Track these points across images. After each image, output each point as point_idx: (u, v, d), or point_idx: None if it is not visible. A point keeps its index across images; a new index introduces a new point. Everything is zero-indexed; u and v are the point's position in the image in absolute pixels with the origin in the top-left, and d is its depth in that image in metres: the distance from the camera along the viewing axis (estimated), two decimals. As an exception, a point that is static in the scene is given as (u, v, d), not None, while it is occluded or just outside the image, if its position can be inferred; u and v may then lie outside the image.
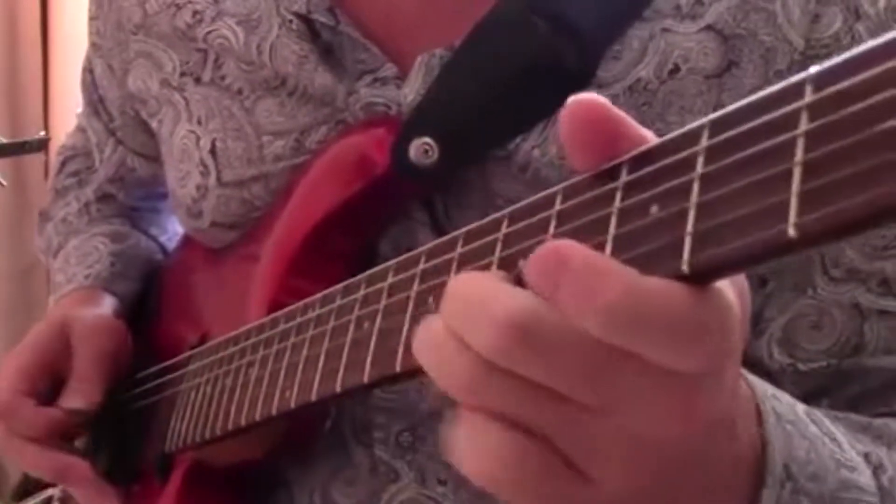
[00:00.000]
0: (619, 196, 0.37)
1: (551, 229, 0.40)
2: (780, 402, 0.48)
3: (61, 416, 0.76)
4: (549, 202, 0.41)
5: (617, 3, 0.64)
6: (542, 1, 0.62)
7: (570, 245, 0.36)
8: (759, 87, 0.61)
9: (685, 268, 0.34)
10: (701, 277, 0.34)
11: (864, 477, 0.53)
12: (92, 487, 0.77)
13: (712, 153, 0.34)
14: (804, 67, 0.64)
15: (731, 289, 0.36)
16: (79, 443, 0.80)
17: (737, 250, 0.32)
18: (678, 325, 0.34)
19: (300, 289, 0.65)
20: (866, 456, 0.54)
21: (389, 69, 0.67)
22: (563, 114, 0.38)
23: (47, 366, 0.79)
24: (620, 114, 0.38)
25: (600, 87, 0.63)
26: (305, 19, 0.70)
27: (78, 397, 0.77)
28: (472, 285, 0.38)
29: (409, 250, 0.65)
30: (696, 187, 0.34)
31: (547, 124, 0.64)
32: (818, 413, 0.53)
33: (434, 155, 0.62)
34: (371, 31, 0.69)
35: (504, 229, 0.43)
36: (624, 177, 0.37)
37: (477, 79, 0.64)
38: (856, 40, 0.62)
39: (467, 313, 0.38)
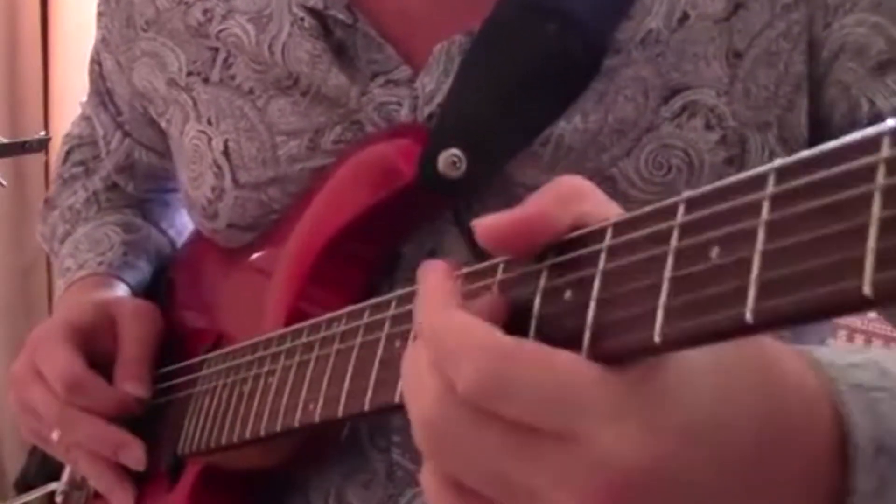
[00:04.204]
0: (675, 235, 0.36)
1: (601, 263, 0.39)
2: (864, 370, 0.45)
3: (129, 398, 0.76)
4: (600, 235, 0.40)
5: None
6: None
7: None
8: (769, 24, 0.63)
9: (749, 316, 0.33)
10: (764, 327, 0.33)
11: None
12: (139, 468, 0.76)
13: (779, 200, 0.33)
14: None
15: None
16: None
17: (805, 303, 0.31)
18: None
19: (319, 295, 0.65)
20: None
21: (403, 71, 0.67)
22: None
23: (91, 343, 0.78)
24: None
25: (618, 52, 0.63)
26: (319, 16, 0.70)
27: (134, 379, 0.77)
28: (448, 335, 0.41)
29: (433, 253, 0.66)
30: (761, 234, 0.33)
31: None
32: None
33: (462, 166, 0.62)
34: (386, 29, 0.69)
35: (551, 258, 0.42)
36: (681, 216, 0.36)
37: (495, 76, 0.64)
38: None
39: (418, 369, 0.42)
